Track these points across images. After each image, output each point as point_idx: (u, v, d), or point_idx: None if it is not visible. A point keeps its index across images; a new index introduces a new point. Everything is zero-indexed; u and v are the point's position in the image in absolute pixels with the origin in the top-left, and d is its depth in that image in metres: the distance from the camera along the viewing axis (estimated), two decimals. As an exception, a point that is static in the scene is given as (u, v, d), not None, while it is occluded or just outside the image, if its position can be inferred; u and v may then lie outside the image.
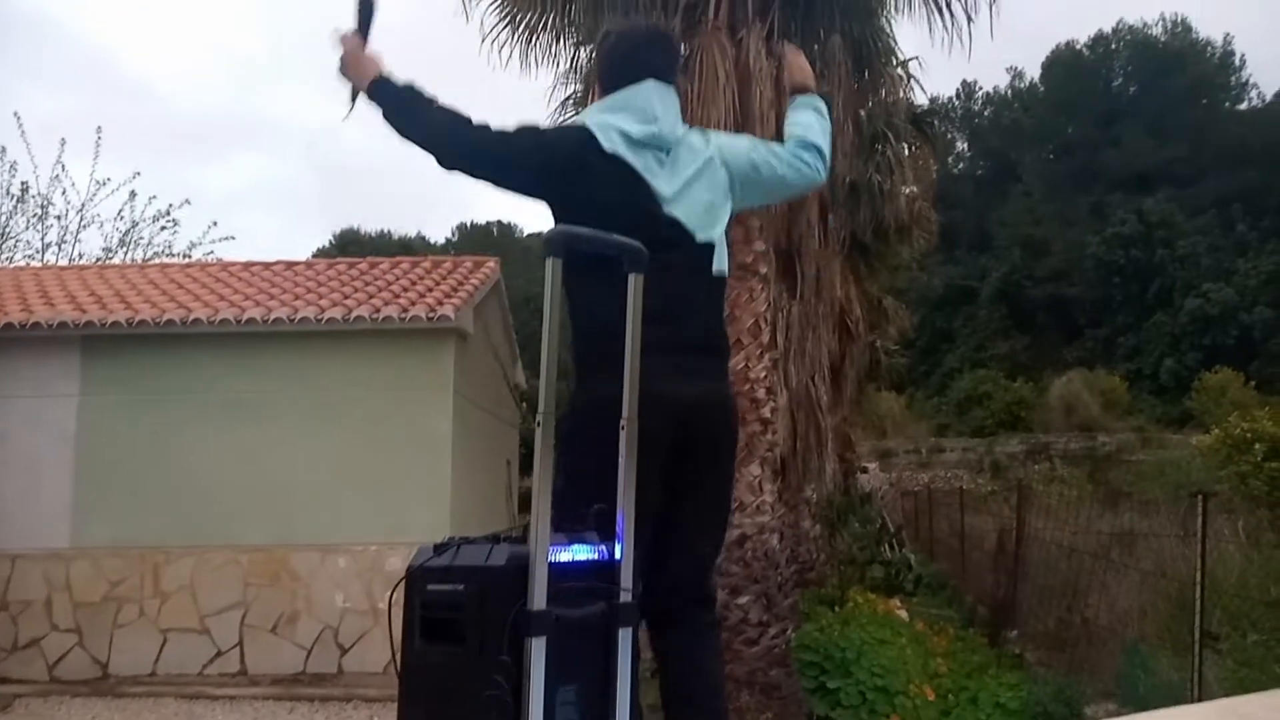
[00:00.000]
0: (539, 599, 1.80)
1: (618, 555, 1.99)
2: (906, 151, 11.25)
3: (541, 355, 1.89)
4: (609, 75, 2.37)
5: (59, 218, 16.44)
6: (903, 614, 9.53)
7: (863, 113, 9.72)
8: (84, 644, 7.16)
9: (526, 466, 9.66)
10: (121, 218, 16.97)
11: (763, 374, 6.32)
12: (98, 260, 15.80)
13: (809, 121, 2.58)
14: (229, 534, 7.31)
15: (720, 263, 2.33)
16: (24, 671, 7.06)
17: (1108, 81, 57.50)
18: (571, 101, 8.51)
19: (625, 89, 2.30)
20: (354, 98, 2.22)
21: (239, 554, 7.34)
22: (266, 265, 9.40)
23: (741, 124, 6.07)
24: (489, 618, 1.81)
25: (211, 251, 16.72)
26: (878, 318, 15.02)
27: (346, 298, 7.90)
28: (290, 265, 9.41)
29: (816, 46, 6.95)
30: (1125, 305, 46.03)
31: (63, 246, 16.35)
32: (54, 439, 7.34)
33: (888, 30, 8.25)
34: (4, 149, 16.61)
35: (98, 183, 16.77)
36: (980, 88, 61.12)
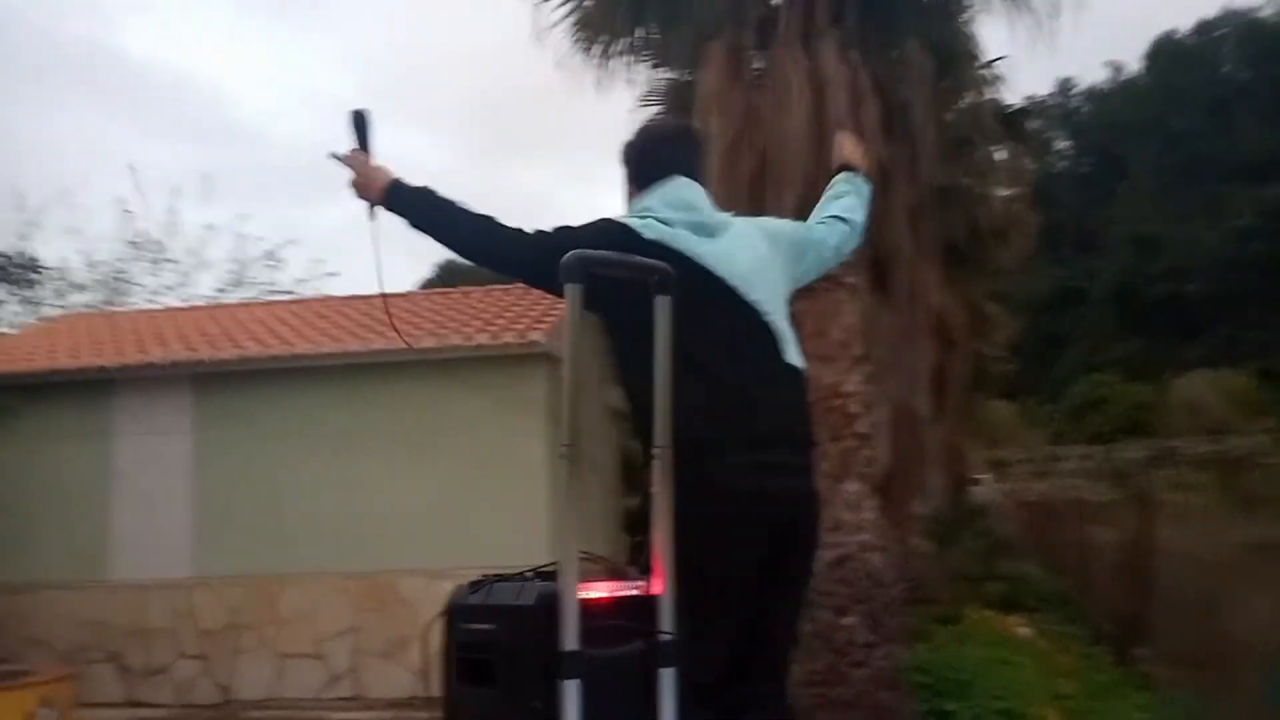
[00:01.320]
0: (570, 639, 1.73)
1: (655, 590, 1.90)
2: (998, 153, 10.92)
3: (564, 390, 1.85)
4: (637, 171, 2.35)
5: (174, 261, 17.33)
6: (1025, 631, 9.15)
7: (949, 116, 9.49)
8: (209, 670, 7.44)
9: (626, 486, 9.69)
10: (232, 259, 17.79)
11: (856, 388, 6.17)
12: (211, 300, 16.58)
13: (842, 191, 2.58)
14: (339, 561, 7.50)
15: (794, 352, 2.22)
16: (155, 696, 7.39)
17: (1215, 68, 54.84)
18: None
19: (655, 186, 2.27)
20: (371, 211, 2.19)
21: (349, 581, 7.52)
22: (365, 298, 9.68)
23: (818, 134, 5.99)
24: (519, 659, 1.76)
25: (317, 287, 17.36)
26: (980, 324, 14.55)
27: (441, 326, 8.06)
28: (365, 300, 9.67)
29: (895, 52, 6.82)
30: (1249, 301, 43.56)
31: (179, 289, 17.21)
32: (173, 473, 7.68)
33: (970, 32, 8.05)
34: (123, 198, 17.61)
35: (208, 227, 17.65)
36: (1078, 83, 59.09)
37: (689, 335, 2.02)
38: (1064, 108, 59.72)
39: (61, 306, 15.55)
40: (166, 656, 7.47)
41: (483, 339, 7.57)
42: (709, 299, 2.11)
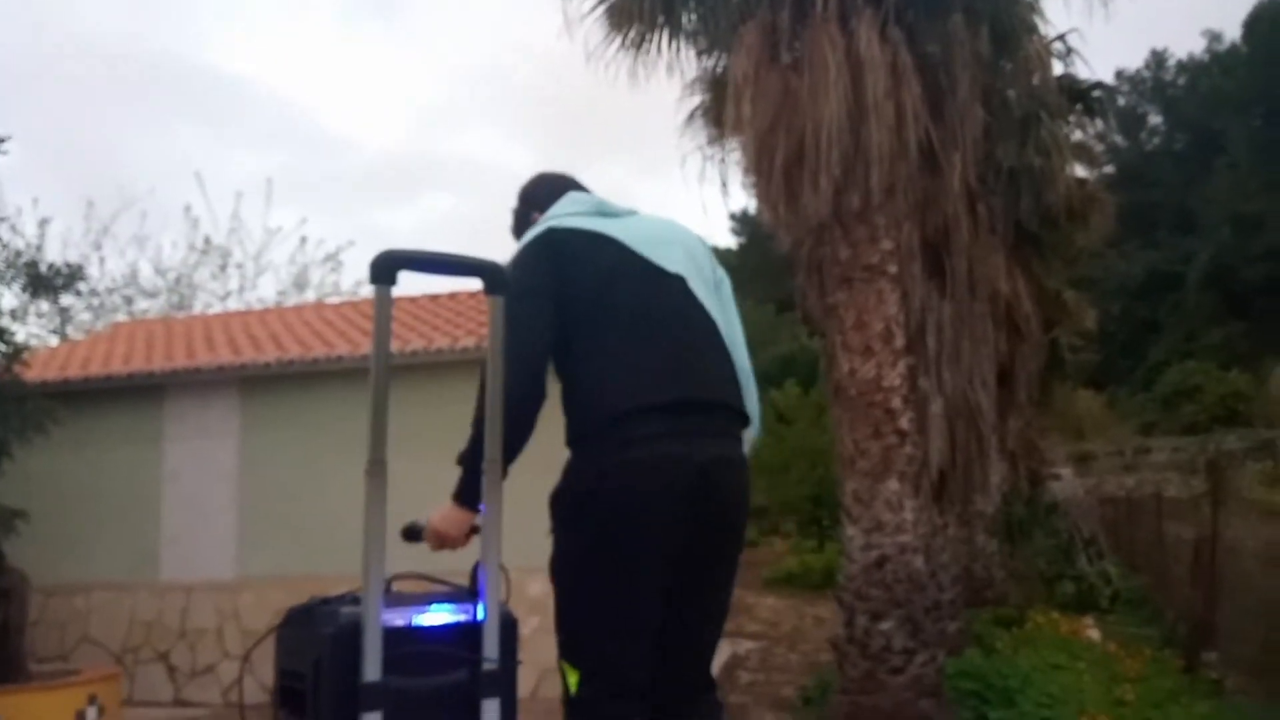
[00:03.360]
0: (372, 669, 1.64)
1: (480, 616, 1.80)
2: (1068, 132, 10.40)
3: (371, 398, 1.76)
4: (539, 199, 2.42)
5: (239, 266, 17.78)
6: (1093, 633, 8.75)
7: (1011, 93, 9.06)
8: (252, 671, 7.52)
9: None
10: (294, 262, 18.22)
11: (897, 382, 5.90)
12: (277, 303, 16.97)
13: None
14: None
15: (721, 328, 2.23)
16: (202, 695, 7.52)
17: (1323, 35, 51.86)
18: (700, 112, 8.34)
19: (553, 205, 2.33)
20: (478, 527, 2.12)
21: (392, 583, 7.52)
22: (412, 300, 9.71)
23: (856, 117, 5.73)
24: (324, 690, 1.67)
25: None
26: (1058, 312, 13.98)
27: (482, 326, 8.02)
28: (435, 298, 9.68)
29: (940, 28, 6.50)
30: (1360, 282, 41.09)
31: (242, 293, 17.66)
32: (219, 476, 7.81)
33: (1033, 4, 7.65)
34: (189, 206, 18.16)
35: (269, 231, 18.11)
36: (1172, 55, 56.62)
37: (605, 308, 2.11)
38: (1158, 81, 57.36)
39: (130, 313, 16.09)
40: (212, 656, 7.60)
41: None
42: (624, 271, 2.14)
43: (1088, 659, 6.74)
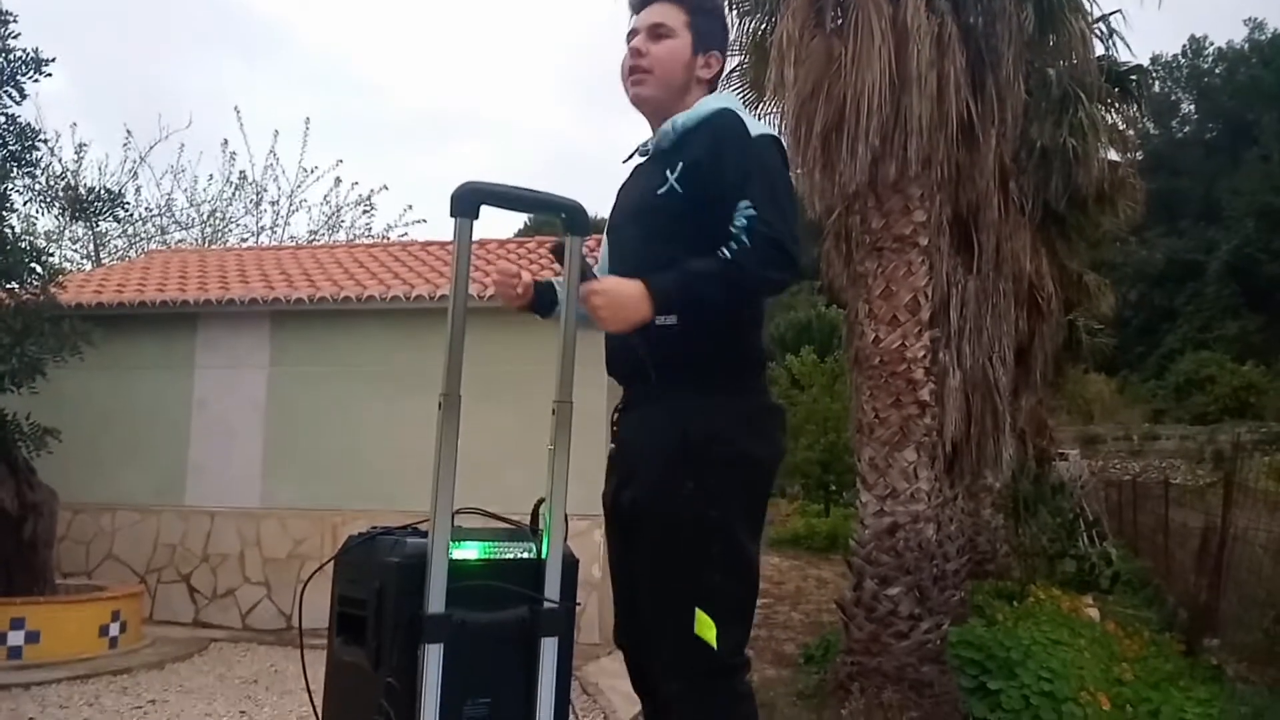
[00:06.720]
0: (436, 601, 1.65)
1: (543, 554, 1.81)
2: (1104, 114, 10.32)
3: (448, 330, 1.76)
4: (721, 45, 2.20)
5: (273, 203, 17.84)
6: (1093, 612, 8.86)
7: (1051, 71, 8.99)
8: (271, 596, 7.73)
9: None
10: (327, 202, 18.24)
11: (921, 353, 5.95)
12: (309, 242, 17.04)
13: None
14: (399, 499, 7.61)
15: None
16: (221, 618, 7.72)
17: (1369, 27, 50.80)
18: (738, 73, 8.32)
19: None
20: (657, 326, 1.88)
21: (408, 518, 7.65)
22: (443, 245, 9.76)
23: (898, 86, 5.72)
24: (385, 619, 1.67)
25: (405, 233, 17.66)
26: (1078, 295, 13.95)
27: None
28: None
29: (987, 2, 6.45)
30: (1383, 281, 40.70)
31: (275, 230, 17.72)
32: (247, 407, 7.94)
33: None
34: (226, 140, 18.16)
35: (305, 170, 18.10)
36: (1211, 42, 55.60)
37: None
38: (1194, 68, 56.41)
39: (164, 243, 16.20)
40: (233, 581, 7.80)
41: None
42: None
43: (1087, 637, 6.86)
